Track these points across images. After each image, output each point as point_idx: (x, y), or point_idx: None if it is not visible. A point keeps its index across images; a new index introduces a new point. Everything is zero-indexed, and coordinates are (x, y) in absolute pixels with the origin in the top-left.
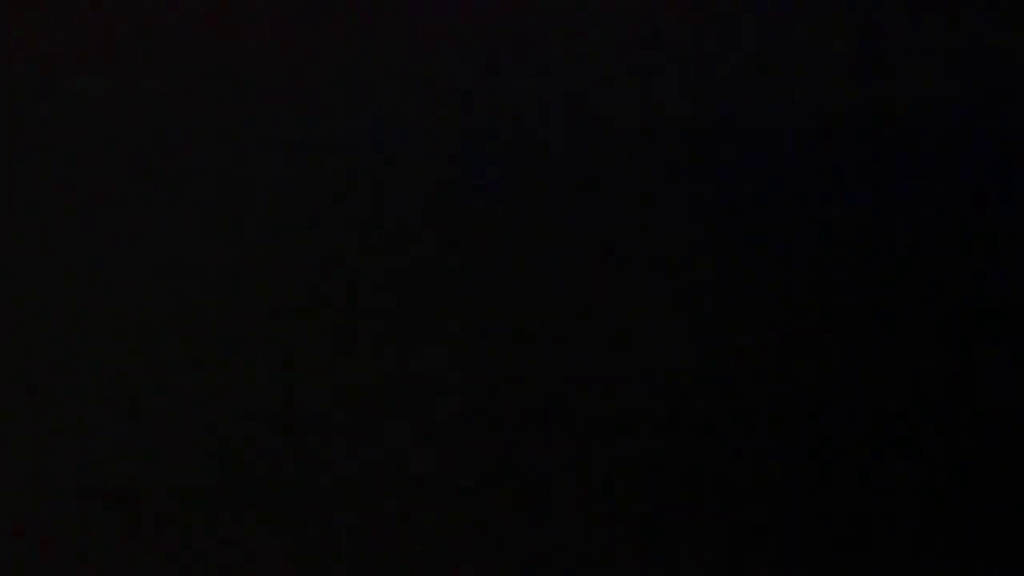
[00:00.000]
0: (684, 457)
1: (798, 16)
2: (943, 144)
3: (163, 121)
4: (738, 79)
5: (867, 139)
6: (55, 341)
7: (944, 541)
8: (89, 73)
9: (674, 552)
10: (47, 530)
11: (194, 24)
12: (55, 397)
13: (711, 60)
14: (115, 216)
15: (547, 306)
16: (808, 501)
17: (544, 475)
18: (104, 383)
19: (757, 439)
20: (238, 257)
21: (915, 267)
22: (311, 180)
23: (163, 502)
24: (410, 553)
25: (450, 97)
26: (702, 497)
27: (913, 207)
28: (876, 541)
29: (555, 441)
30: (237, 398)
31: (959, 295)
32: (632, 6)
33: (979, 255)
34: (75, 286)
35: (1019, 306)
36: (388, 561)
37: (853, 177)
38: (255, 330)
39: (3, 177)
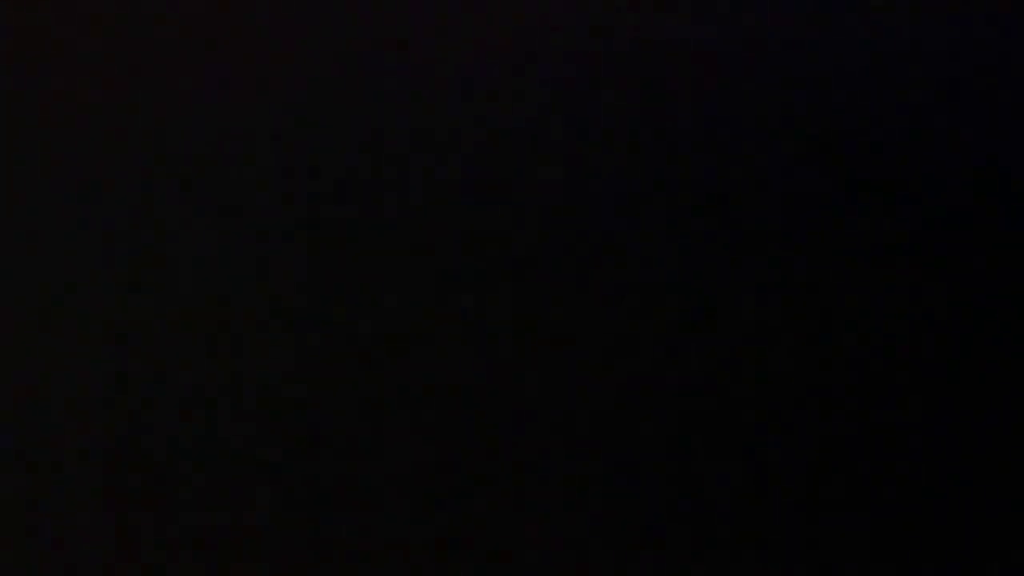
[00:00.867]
0: (684, 456)
1: (797, 17)
2: (943, 143)
3: (163, 119)
4: (737, 80)
5: (866, 139)
6: (53, 338)
7: (944, 541)
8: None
9: (674, 552)
10: (47, 529)
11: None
12: (52, 393)
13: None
14: (115, 215)
15: (547, 305)
16: (807, 501)
17: (545, 474)
18: (103, 382)
19: (757, 439)
20: (237, 255)
21: (914, 267)
22: (307, 178)
23: (163, 502)
24: (410, 554)
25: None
26: (702, 497)
27: (912, 207)
28: (876, 541)
29: (555, 439)
30: (237, 398)
31: (959, 295)
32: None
33: (979, 255)
34: (75, 285)
35: (1019, 306)
36: (389, 561)
37: (854, 175)
38: (254, 330)
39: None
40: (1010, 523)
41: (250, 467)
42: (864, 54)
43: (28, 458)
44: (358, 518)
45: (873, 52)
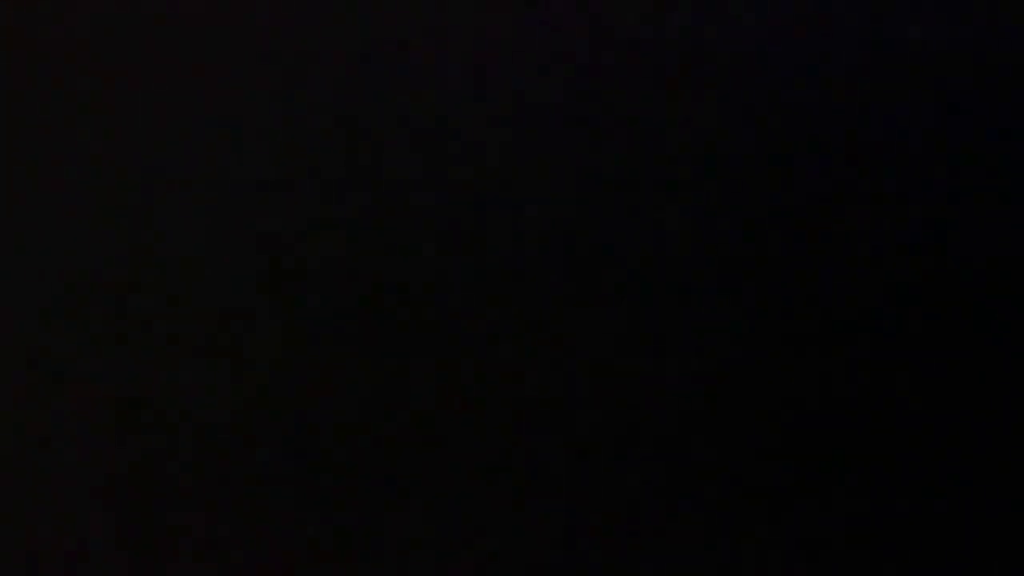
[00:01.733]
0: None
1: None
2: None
3: (163, 117)
4: (738, 81)
5: (866, 137)
6: (53, 336)
7: (944, 541)
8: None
9: (673, 552)
10: (48, 530)
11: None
12: (54, 393)
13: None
14: (114, 213)
15: (545, 302)
16: (807, 500)
17: (544, 475)
18: (103, 380)
19: (755, 438)
20: (237, 255)
21: (914, 267)
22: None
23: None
24: (410, 553)
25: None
26: (701, 497)
27: (913, 205)
28: (875, 542)
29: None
30: (237, 396)
31: (958, 295)
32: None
33: (979, 254)
34: (73, 284)
35: (1019, 306)
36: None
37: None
38: (256, 329)
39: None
40: (1010, 523)
41: (249, 466)
42: (866, 53)
43: (27, 457)
44: (358, 517)
45: (877, 51)
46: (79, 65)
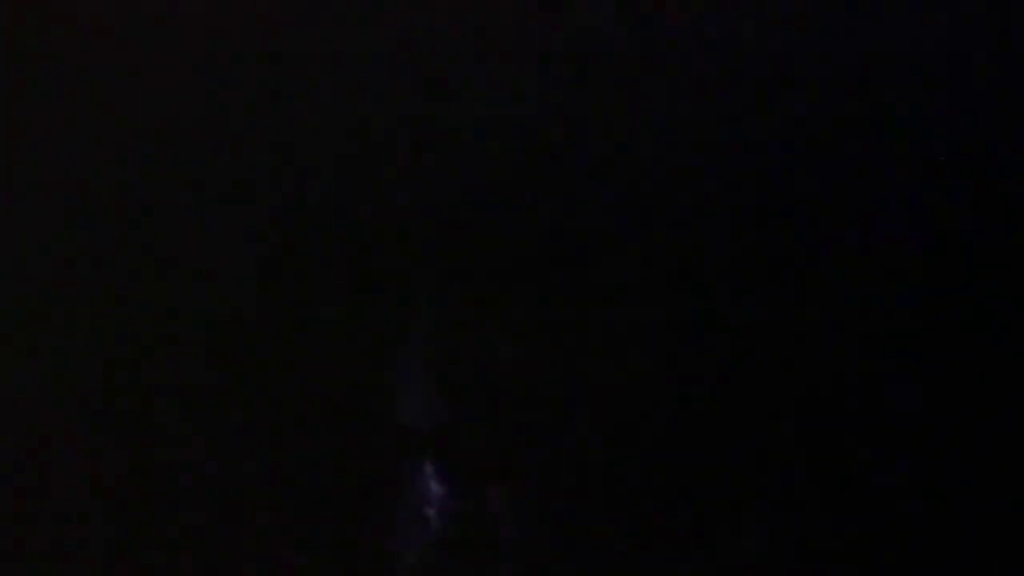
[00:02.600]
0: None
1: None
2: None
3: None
4: (737, 83)
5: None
6: (53, 336)
7: (944, 541)
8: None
9: (673, 552)
10: (48, 529)
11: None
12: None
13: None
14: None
15: (544, 302)
16: (807, 502)
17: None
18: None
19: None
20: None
21: (915, 266)
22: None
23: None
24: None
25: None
26: (700, 497)
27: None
28: (875, 542)
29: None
30: (237, 396)
31: (959, 295)
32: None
33: (979, 255)
34: (73, 284)
35: (1019, 306)
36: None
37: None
38: (255, 329)
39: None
40: (1011, 523)
41: (249, 466)
42: (867, 52)
43: (27, 456)
44: (358, 517)
45: (878, 50)
46: (79, 65)
